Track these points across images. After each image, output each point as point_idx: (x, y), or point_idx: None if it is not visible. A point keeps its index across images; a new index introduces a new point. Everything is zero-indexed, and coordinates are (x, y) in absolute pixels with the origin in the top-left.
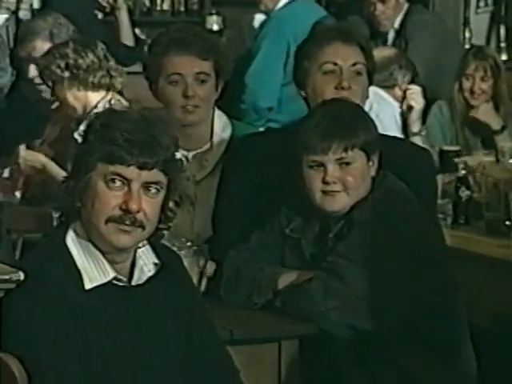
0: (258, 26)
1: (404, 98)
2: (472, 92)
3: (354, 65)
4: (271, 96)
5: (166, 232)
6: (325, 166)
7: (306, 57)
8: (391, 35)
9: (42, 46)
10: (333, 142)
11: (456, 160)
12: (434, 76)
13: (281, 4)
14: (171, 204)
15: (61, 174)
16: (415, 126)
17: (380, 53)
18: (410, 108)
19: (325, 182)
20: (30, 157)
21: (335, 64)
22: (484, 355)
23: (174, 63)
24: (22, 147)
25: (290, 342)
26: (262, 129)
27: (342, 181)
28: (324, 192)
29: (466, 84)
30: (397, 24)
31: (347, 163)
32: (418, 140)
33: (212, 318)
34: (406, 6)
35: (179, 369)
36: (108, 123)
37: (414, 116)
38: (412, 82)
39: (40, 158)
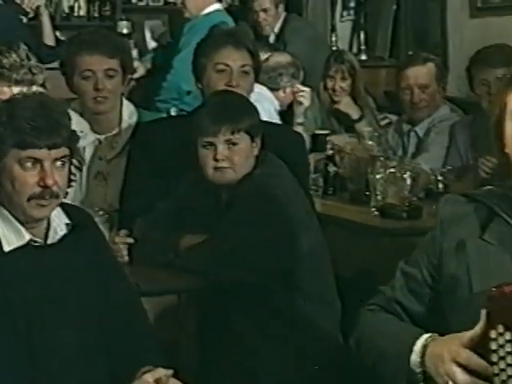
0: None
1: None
2: (334, 90)
3: (243, 66)
4: (192, 81)
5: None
6: (215, 146)
7: (204, 55)
8: (272, 38)
9: None
10: (222, 125)
11: (328, 139)
12: (307, 72)
13: (205, 12)
14: (73, 169)
15: None
16: (300, 118)
17: (273, 58)
18: (300, 104)
19: (215, 160)
20: None
21: (227, 65)
22: (348, 301)
23: (86, 61)
24: None
25: (188, 294)
26: (174, 113)
27: (229, 159)
28: (215, 168)
29: (329, 83)
30: (276, 29)
31: (234, 144)
32: (300, 128)
33: (122, 268)
34: (283, 14)
35: (93, 316)
36: (12, 114)
37: (301, 110)
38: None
39: None
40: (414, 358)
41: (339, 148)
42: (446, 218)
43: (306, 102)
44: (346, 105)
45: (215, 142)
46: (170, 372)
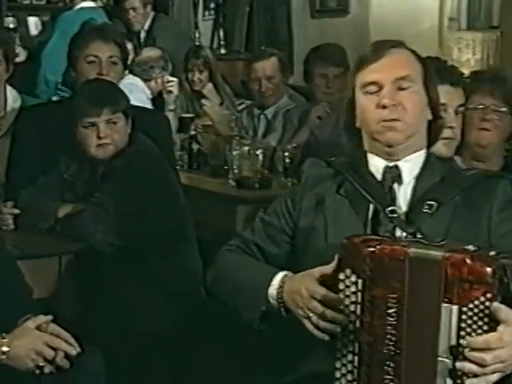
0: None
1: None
2: (193, 81)
3: (111, 57)
4: (57, 73)
5: None
6: (97, 125)
7: (76, 48)
8: (143, 35)
9: None
10: (104, 107)
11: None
12: (174, 65)
13: (76, 8)
14: None
15: None
16: (171, 105)
17: (145, 53)
18: (170, 92)
19: (99, 137)
20: None
21: (96, 56)
22: (209, 261)
23: None
24: None
25: (68, 257)
26: (55, 98)
27: (110, 136)
28: (98, 145)
29: (190, 75)
30: (146, 26)
31: (114, 123)
32: (171, 114)
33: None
34: (152, 13)
35: None
36: None
37: (172, 98)
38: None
39: None
40: (272, 291)
41: (206, 123)
42: (310, 176)
43: (175, 91)
44: (209, 92)
45: (97, 122)
46: (50, 317)
